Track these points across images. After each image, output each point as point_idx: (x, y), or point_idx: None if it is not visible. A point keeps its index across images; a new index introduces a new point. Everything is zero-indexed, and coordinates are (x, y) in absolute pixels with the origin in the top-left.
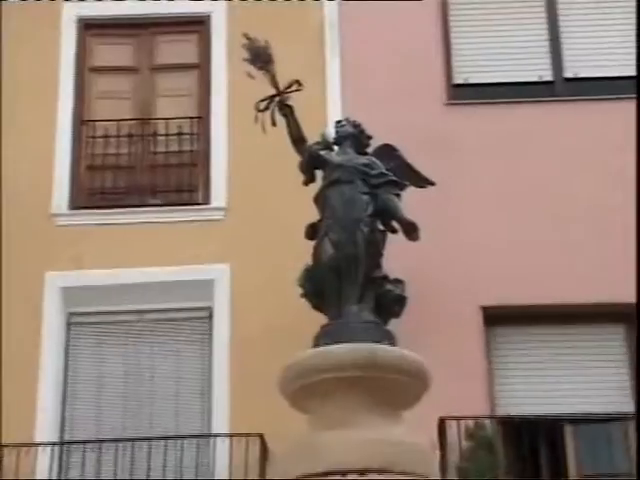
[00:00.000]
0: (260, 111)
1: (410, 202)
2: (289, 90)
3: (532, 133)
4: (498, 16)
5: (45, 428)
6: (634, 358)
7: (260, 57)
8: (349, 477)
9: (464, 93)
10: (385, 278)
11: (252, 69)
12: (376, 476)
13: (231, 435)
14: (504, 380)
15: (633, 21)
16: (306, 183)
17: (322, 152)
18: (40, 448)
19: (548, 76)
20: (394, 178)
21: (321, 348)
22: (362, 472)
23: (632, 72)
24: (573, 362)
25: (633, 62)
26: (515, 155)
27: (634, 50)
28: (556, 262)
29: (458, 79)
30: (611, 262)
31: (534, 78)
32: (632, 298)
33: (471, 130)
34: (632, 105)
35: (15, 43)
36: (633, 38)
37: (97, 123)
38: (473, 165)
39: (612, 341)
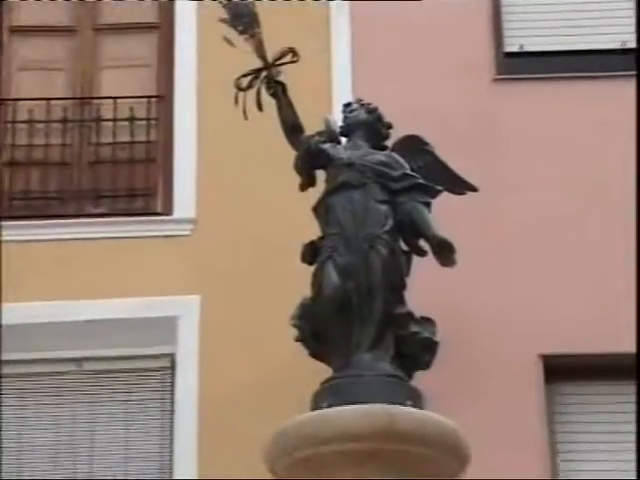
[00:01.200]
0: (241, 90)
1: (444, 213)
2: (281, 62)
3: (611, 118)
4: None
5: None
6: None
7: (242, 17)
8: None
9: (520, 65)
10: (409, 316)
11: (231, 32)
12: None
13: None
14: (569, 453)
15: None
16: (303, 187)
17: (325, 146)
18: None
19: (632, 42)
20: (423, 181)
21: (323, 411)
22: None
23: None
24: None
25: None
26: (590, 149)
27: None
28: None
29: (511, 46)
30: None
31: (615, 45)
32: None
33: (527, 115)
34: None
35: None
36: None
37: (19, 103)
38: (531, 163)
39: None
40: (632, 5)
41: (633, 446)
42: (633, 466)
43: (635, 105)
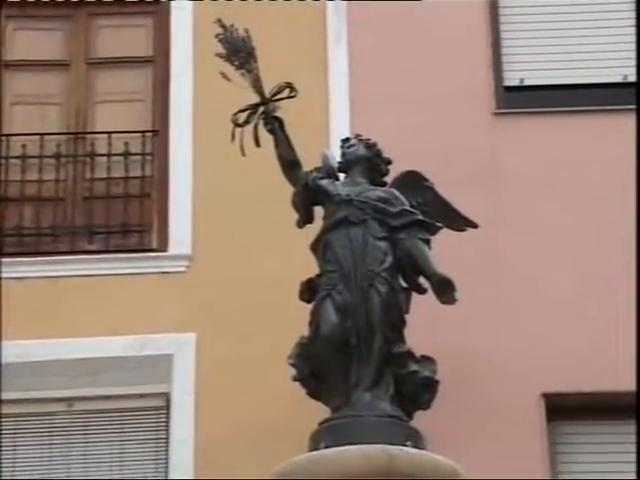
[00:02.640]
0: (239, 125)
1: (444, 250)
2: (278, 97)
3: (613, 153)
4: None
5: None
6: None
7: (239, 52)
8: None
9: (519, 99)
10: (409, 355)
11: (228, 68)
12: None
13: None
14: None
15: None
16: (301, 224)
17: (323, 182)
18: None
19: (633, 76)
20: (422, 218)
21: (322, 451)
22: None
23: None
24: None
25: None
26: (591, 182)
27: None
28: None
29: (511, 80)
30: None
31: (616, 79)
32: None
33: (527, 149)
34: None
35: None
36: None
37: (12, 138)
38: (531, 197)
39: None
40: (633, 39)
41: None
42: None
43: (635, 139)
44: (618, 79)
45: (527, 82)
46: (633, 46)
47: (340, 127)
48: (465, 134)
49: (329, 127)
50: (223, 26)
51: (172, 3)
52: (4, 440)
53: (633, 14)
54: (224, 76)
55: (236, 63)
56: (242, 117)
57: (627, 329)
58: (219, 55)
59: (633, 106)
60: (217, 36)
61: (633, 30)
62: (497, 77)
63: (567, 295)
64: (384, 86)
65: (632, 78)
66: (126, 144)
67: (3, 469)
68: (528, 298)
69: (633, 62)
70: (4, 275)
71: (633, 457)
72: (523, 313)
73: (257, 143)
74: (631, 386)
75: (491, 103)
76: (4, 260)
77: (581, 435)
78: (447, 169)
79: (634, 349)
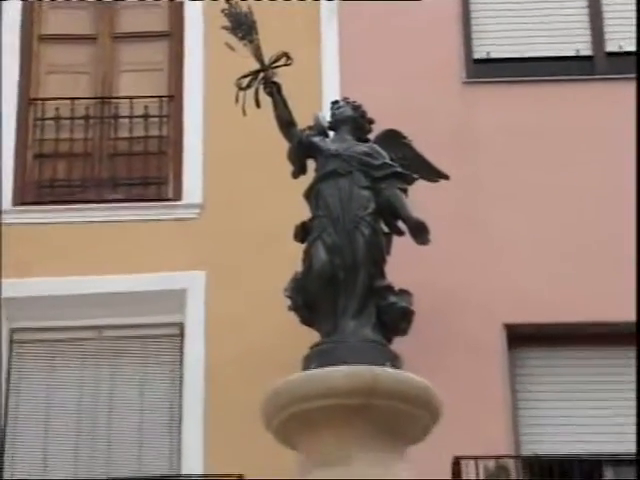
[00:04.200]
0: (242, 89)
1: (419, 199)
2: (276, 65)
3: (564, 122)
4: None
5: None
6: None
7: (242, 25)
8: None
9: (486, 70)
10: (389, 289)
11: (232, 39)
12: None
13: (205, 477)
14: (531, 412)
15: None
16: (296, 175)
17: (315, 139)
18: None
19: (586, 49)
20: (400, 170)
21: (312, 371)
22: None
23: None
24: (615, 391)
25: None
26: (548, 144)
27: None
28: (597, 274)
29: (479, 53)
30: None
31: (570, 53)
32: None
33: (493, 116)
34: None
35: None
36: None
37: (47, 102)
38: (496, 155)
39: None
40: (585, 18)
41: (589, 408)
42: (588, 427)
43: (635, 107)
44: (571, 53)
45: (493, 55)
46: (585, 24)
47: (330, 92)
48: (439, 100)
49: (321, 92)
50: (228, 2)
51: None
52: (41, 363)
53: None
54: (229, 46)
55: (239, 35)
56: (245, 82)
57: (580, 268)
58: (225, 28)
59: (585, 76)
60: (223, 11)
61: (586, 10)
62: (467, 51)
63: (529, 240)
64: (370, 58)
65: (584, 52)
66: (146, 107)
67: (42, 388)
68: (494, 243)
69: (585, 38)
70: (39, 221)
71: (586, 379)
72: (489, 255)
73: (258, 104)
74: (585, 318)
75: (462, 74)
76: (40, 208)
77: (542, 360)
78: (423, 130)
79: (588, 285)
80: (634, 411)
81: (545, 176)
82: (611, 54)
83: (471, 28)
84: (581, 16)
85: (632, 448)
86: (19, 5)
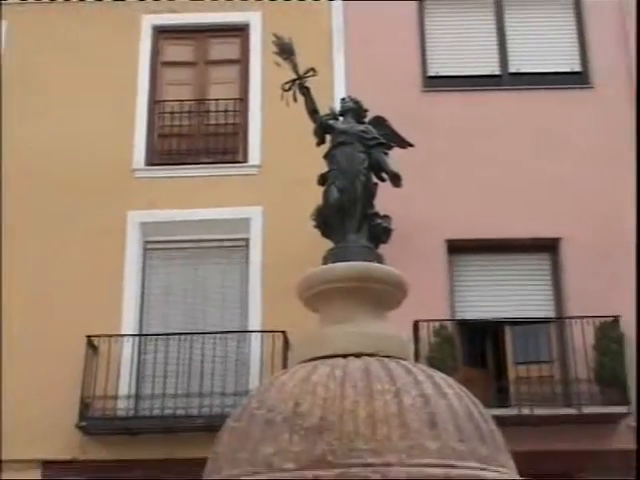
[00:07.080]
0: (285, 91)
1: (395, 158)
2: (306, 75)
3: (485, 115)
4: (462, 22)
5: (129, 325)
6: (556, 278)
7: (285, 50)
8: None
9: (436, 83)
10: (376, 214)
11: (279, 59)
12: (368, 358)
13: (262, 332)
14: (462, 294)
15: (568, 24)
16: (318, 144)
17: (330, 121)
18: (125, 339)
19: (497, 70)
20: (383, 141)
21: (327, 265)
22: (357, 355)
23: (564, 68)
24: (514, 281)
25: (566, 60)
26: (474, 130)
27: (567, 49)
28: (503, 206)
29: (431, 72)
30: (543, 206)
31: (487, 72)
32: (555, 234)
33: (440, 111)
34: (563, 94)
35: (107, 44)
36: (568, 39)
37: (166, 103)
38: (443, 135)
39: (541, 266)
40: (497, 41)
41: (498, 291)
42: (497, 303)
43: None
44: (488, 72)
45: (440, 73)
46: (495, 49)
47: (340, 93)
48: (407, 102)
49: (334, 93)
50: (277, 37)
51: (250, 28)
52: (163, 262)
53: (494, 24)
54: (277, 63)
55: (283, 56)
56: (287, 86)
57: (509, 194)
58: (275, 52)
59: (496, 88)
60: (273, 42)
61: (496, 39)
62: (423, 70)
63: (464, 184)
64: (363, 74)
65: (496, 72)
66: (225, 105)
67: (162, 277)
68: (440, 185)
69: (495, 62)
70: (162, 175)
71: (501, 276)
72: (437, 193)
73: (295, 100)
74: (502, 235)
75: (420, 85)
76: (162, 167)
77: (469, 262)
78: (398, 119)
79: (516, 204)
80: (524, 291)
81: (474, 147)
82: (512, 74)
83: (426, 56)
84: (493, 47)
85: (521, 314)
86: (150, 43)
